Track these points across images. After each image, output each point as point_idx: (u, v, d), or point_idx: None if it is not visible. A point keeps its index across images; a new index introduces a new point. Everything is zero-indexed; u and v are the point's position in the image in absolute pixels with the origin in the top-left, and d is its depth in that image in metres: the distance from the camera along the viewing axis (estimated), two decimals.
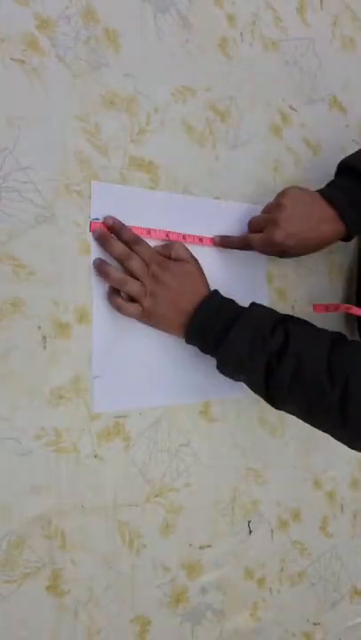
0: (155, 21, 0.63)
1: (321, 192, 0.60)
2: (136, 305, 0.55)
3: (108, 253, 0.55)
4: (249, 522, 0.66)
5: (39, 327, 0.53)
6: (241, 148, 0.68)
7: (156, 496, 0.59)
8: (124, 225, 0.56)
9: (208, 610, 0.62)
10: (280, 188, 0.68)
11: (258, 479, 0.66)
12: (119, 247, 0.55)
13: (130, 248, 0.55)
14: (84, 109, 0.57)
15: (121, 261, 0.55)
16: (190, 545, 0.61)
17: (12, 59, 0.54)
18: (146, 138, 0.61)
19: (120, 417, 0.57)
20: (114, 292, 0.55)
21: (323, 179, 0.72)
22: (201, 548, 0.62)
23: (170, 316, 0.55)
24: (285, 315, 0.54)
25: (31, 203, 0.54)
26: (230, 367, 0.53)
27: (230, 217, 0.65)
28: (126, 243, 0.56)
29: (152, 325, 0.57)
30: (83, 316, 0.56)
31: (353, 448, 0.52)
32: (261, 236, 0.59)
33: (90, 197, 0.57)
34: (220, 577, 0.63)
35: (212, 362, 0.56)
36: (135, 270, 0.54)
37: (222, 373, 0.55)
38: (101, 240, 0.55)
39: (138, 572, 0.58)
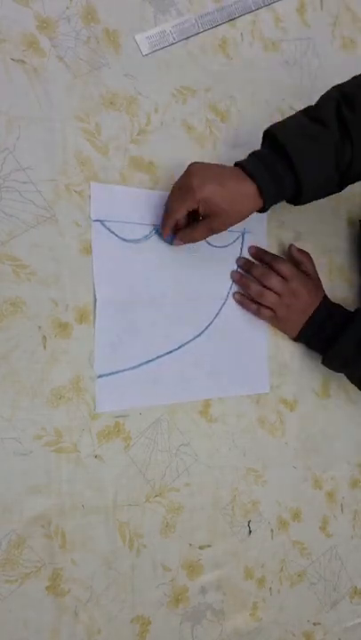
0: (155, 21, 0.63)
1: (242, 165, 0.56)
2: (269, 310, 0.65)
3: (250, 275, 0.66)
4: (249, 522, 0.66)
5: (39, 327, 0.54)
6: (241, 148, 0.68)
7: (156, 496, 0.59)
8: (264, 250, 0.67)
9: (208, 610, 0.62)
10: None
11: (258, 479, 0.66)
12: (261, 268, 0.65)
13: (276, 266, 0.65)
14: (84, 109, 0.57)
15: (262, 280, 0.64)
16: (190, 545, 0.61)
17: (12, 59, 0.54)
18: (146, 138, 0.61)
19: (120, 417, 0.57)
20: (247, 299, 0.66)
21: None
22: (201, 547, 0.62)
23: (297, 322, 0.66)
24: None
25: (31, 203, 0.54)
26: (336, 364, 0.67)
27: None
28: (267, 262, 0.66)
29: (275, 326, 0.68)
30: (83, 316, 0.56)
31: None
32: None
33: (90, 198, 0.57)
34: (220, 577, 0.63)
35: (213, 361, 0.58)
36: (275, 287, 0.64)
37: (326, 366, 0.67)
38: (244, 265, 0.66)
39: (138, 572, 0.58)
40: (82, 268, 0.56)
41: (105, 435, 0.56)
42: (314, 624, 0.71)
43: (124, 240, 0.59)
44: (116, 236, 0.59)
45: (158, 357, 0.60)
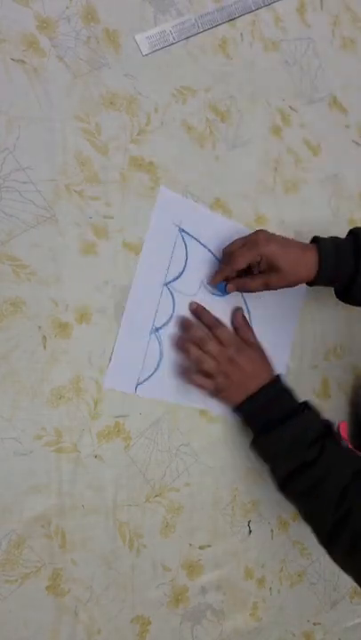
0: (155, 21, 0.63)
1: (317, 240, 0.61)
2: (210, 381, 0.60)
3: (189, 335, 0.61)
4: (249, 522, 0.66)
5: (39, 327, 0.54)
6: (241, 148, 0.68)
7: (156, 496, 0.59)
8: (205, 310, 0.63)
9: (208, 610, 0.62)
10: (280, 188, 0.68)
11: (258, 479, 0.66)
12: (200, 331, 0.61)
13: (214, 332, 0.61)
14: (84, 109, 0.57)
15: (200, 344, 0.60)
16: (190, 545, 0.61)
17: (12, 59, 0.54)
18: (146, 138, 0.61)
19: (120, 417, 0.57)
20: (188, 369, 0.61)
21: (323, 178, 0.73)
22: (201, 547, 0.62)
23: (236, 393, 0.61)
24: (328, 426, 0.60)
25: (31, 203, 0.54)
26: (263, 454, 0.60)
27: None
28: (207, 325, 0.62)
29: (215, 397, 0.62)
30: (83, 316, 0.56)
31: (330, 554, 0.57)
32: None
33: (90, 196, 0.57)
34: (220, 577, 0.63)
35: None
36: (213, 352, 0.59)
37: (252, 450, 0.62)
38: (185, 324, 0.62)
39: (138, 572, 0.58)
40: (82, 268, 0.56)
41: (105, 435, 0.56)
42: (314, 624, 0.71)
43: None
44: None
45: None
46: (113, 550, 0.56)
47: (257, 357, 0.63)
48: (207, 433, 0.63)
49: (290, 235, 0.71)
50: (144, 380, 0.59)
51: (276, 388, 0.61)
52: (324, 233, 0.76)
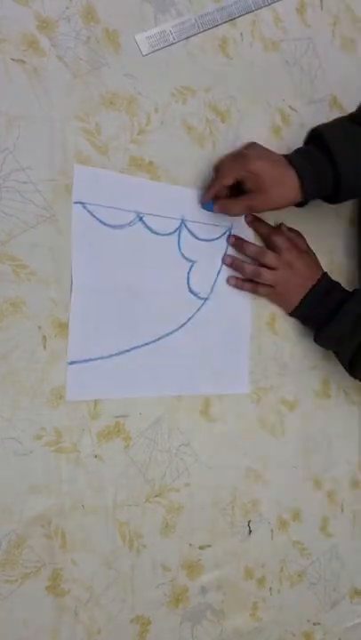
0: (155, 21, 0.63)
1: (287, 157, 0.60)
2: (267, 287, 0.65)
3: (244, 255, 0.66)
4: (249, 522, 0.66)
5: (39, 327, 0.54)
6: None
7: (156, 496, 0.59)
8: (247, 242, 0.66)
9: (208, 610, 0.62)
10: None
11: (258, 479, 0.66)
12: (249, 268, 0.65)
13: (270, 238, 0.66)
14: (84, 109, 0.57)
15: (257, 259, 0.65)
16: (190, 545, 0.61)
17: (12, 59, 0.54)
18: (146, 138, 0.61)
19: (120, 417, 0.57)
20: (244, 281, 0.66)
21: None
22: (201, 547, 0.62)
23: (294, 295, 0.67)
24: None
25: (31, 203, 0.54)
26: (328, 343, 0.67)
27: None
28: (263, 234, 0.67)
29: (273, 301, 0.68)
30: None
31: None
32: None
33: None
34: (220, 577, 0.63)
35: (190, 357, 0.62)
36: (271, 264, 0.64)
37: (318, 344, 0.68)
38: (235, 266, 0.66)
39: (138, 572, 0.58)
40: None
41: (105, 435, 0.56)
42: (314, 624, 0.71)
43: (106, 225, 0.58)
44: (98, 220, 0.58)
45: (134, 349, 0.59)
46: (113, 550, 0.56)
47: (310, 260, 0.68)
48: (207, 433, 0.63)
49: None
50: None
51: (325, 285, 0.66)
52: (325, 232, 0.76)
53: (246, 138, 0.68)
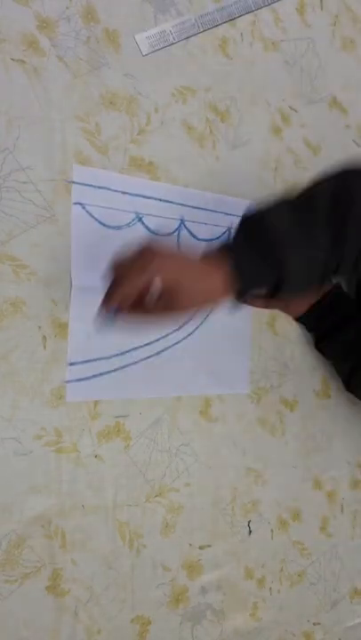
0: (155, 21, 0.63)
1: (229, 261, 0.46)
2: (280, 301, 0.60)
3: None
4: (249, 522, 0.66)
5: (39, 327, 0.53)
6: (241, 149, 0.68)
7: (156, 496, 0.59)
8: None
9: (208, 610, 0.62)
10: (280, 188, 0.68)
11: (258, 479, 0.66)
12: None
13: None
14: (84, 109, 0.57)
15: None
16: (190, 545, 0.61)
17: (12, 59, 0.54)
18: (146, 138, 0.61)
19: (120, 417, 0.57)
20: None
21: None
22: (201, 547, 0.62)
23: (304, 302, 0.65)
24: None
25: (31, 203, 0.54)
26: (335, 351, 0.66)
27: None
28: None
29: (281, 309, 0.67)
30: None
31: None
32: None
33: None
34: (220, 577, 0.63)
35: (190, 357, 0.59)
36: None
37: (320, 351, 0.67)
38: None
39: (138, 572, 0.58)
40: None
41: (105, 435, 0.56)
42: (314, 624, 0.71)
43: (105, 226, 0.58)
44: (97, 220, 0.58)
45: (133, 349, 0.59)
46: (113, 550, 0.56)
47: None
48: (207, 433, 0.63)
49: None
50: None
51: (337, 291, 0.65)
52: None
53: (246, 138, 0.68)
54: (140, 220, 0.60)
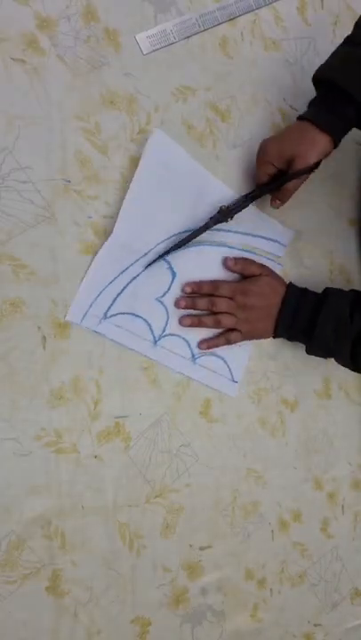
0: (155, 21, 0.63)
1: (314, 122, 0.59)
2: (236, 333, 0.62)
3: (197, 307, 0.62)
4: (249, 523, 0.65)
5: (39, 327, 0.53)
6: (241, 148, 0.68)
7: (157, 497, 0.59)
8: (200, 282, 0.63)
9: (208, 611, 0.62)
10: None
11: (258, 480, 0.66)
12: (203, 302, 0.62)
13: (213, 292, 0.62)
14: (84, 109, 0.57)
15: (211, 310, 0.61)
16: (190, 546, 0.61)
17: (12, 58, 0.54)
18: (146, 137, 0.61)
19: (120, 417, 0.57)
20: (219, 336, 0.63)
21: (323, 178, 0.72)
22: (201, 548, 0.62)
23: (265, 327, 0.64)
24: (357, 295, 0.63)
25: (31, 203, 0.54)
26: (320, 352, 0.65)
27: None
28: (207, 293, 0.62)
29: (250, 339, 0.65)
30: None
31: None
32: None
33: (90, 195, 0.57)
34: (220, 578, 0.63)
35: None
36: (225, 309, 0.61)
37: (312, 355, 0.65)
38: (189, 306, 0.61)
39: (138, 573, 0.58)
40: (81, 268, 0.56)
41: (105, 435, 0.56)
42: (314, 625, 0.71)
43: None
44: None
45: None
46: (113, 551, 0.56)
47: (263, 286, 0.63)
48: (207, 433, 0.63)
49: (291, 235, 0.71)
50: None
51: (294, 297, 0.63)
52: (325, 232, 0.76)
53: (247, 137, 0.68)
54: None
